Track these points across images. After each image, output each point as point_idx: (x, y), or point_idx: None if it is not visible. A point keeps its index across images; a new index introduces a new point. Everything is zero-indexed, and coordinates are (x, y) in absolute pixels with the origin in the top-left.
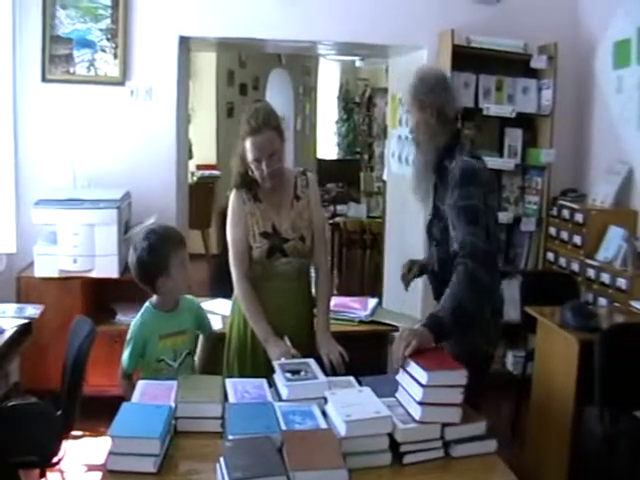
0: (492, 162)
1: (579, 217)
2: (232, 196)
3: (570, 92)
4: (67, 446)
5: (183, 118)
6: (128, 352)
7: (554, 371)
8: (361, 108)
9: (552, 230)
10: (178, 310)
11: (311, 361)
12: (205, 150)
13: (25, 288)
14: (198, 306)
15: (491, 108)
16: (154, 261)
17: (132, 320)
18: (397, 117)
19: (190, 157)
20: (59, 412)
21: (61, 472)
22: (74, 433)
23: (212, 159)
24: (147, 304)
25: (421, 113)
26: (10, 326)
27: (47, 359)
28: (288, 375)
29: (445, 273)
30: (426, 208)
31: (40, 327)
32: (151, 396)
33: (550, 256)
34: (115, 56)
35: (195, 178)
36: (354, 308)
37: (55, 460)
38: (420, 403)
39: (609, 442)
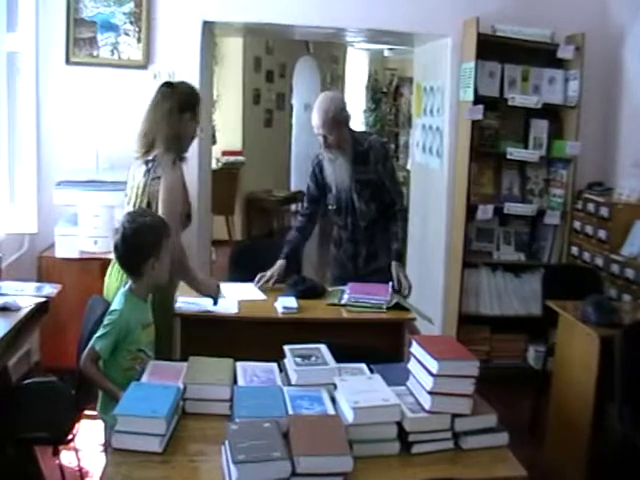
0: (516, 153)
1: (604, 211)
2: None
3: (597, 84)
4: (83, 425)
5: (206, 103)
6: (108, 338)
7: (574, 367)
8: (388, 98)
9: (577, 224)
10: (147, 302)
11: (322, 347)
12: (230, 136)
13: (46, 268)
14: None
15: (516, 98)
16: (150, 238)
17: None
18: (422, 106)
19: (213, 142)
20: (74, 391)
21: (76, 450)
22: (91, 413)
23: (237, 145)
24: (126, 291)
25: (342, 127)
26: (27, 304)
27: (67, 339)
28: (298, 360)
29: (378, 222)
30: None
31: (60, 307)
32: (160, 376)
33: (574, 250)
34: (138, 40)
35: (220, 164)
36: (377, 294)
37: (68, 438)
38: (430, 392)
39: (629, 441)
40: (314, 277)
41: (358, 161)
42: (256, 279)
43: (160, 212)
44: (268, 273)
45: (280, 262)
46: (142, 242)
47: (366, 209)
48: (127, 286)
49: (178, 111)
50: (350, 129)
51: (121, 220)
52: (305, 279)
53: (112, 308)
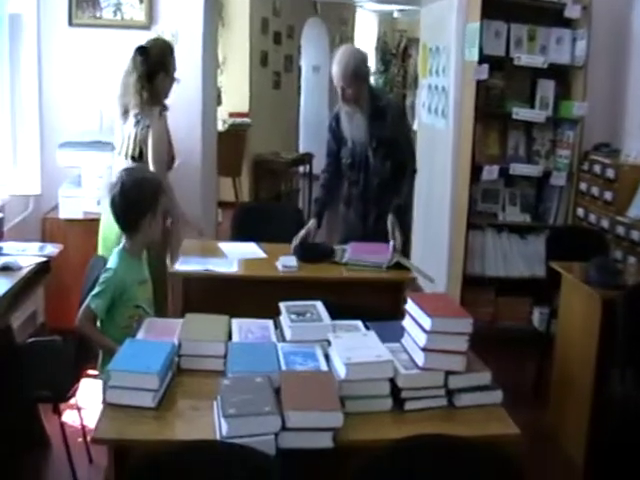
0: (522, 114)
1: (610, 173)
2: None
3: (605, 43)
4: (85, 384)
5: (210, 63)
6: (103, 297)
7: (577, 329)
8: (397, 59)
9: (583, 185)
10: (142, 259)
11: (318, 303)
12: (237, 98)
13: (50, 229)
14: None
15: (522, 58)
16: (148, 193)
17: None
18: (427, 66)
19: (219, 103)
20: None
21: (78, 409)
22: (94, 372)
23: (244, 107)
24: (120, 250)
25: (361, 82)
26: (28, 264)
27: (71, 299)
28: (293, 316)
29: (390, 182)
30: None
31: (64, 268)
32: (156, 333)
33: (580, 212)
34: (141, 0)
35: (227, 125)
36: (377, 253)
37: (68, 396)
38: (423, 349)
39: (630, 402)
40: (323, 239)
41: (375, 117)
42: (292, 244)
43: (150, 157)
44: (302, 232)
45: (312, 221)
46: (140, 197)
47: (380, 166)
48: (121, 245)
49: (147, 77)
50: (369, 85)
51: (118, 175)
52: (311, 242)
53: (107, 267)
